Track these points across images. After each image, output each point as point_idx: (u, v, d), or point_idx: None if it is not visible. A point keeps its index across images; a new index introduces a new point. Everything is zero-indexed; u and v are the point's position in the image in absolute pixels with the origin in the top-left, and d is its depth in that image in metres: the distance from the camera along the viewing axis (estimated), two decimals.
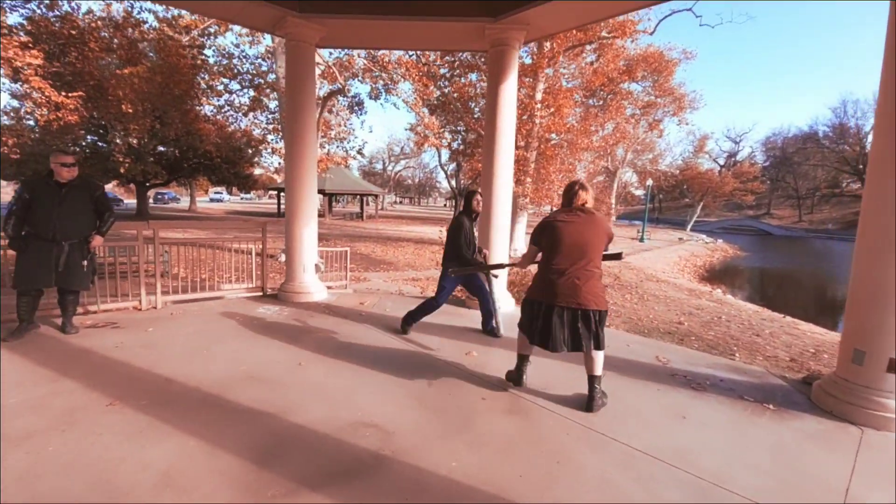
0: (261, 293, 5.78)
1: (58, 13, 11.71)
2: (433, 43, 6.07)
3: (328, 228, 20.06)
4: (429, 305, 4.33)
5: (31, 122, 16.00)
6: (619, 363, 3.70)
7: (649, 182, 28.94)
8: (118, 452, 2.23)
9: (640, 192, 45.73)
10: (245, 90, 13.51)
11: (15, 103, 14.82)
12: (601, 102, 16.98)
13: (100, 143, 21.51)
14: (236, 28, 11.35)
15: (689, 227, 40.93)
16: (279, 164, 15.45)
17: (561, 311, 2.79)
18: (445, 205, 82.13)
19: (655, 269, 14.93)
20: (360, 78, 13.56)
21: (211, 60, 12.91)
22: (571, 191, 2.94)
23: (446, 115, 16.38)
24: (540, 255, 3.00)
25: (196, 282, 5.63)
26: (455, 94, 14.39)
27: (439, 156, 41.39)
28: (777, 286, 17.88)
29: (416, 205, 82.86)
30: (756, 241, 41.37)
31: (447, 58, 14.67)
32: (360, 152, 16.59)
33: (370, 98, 14.82)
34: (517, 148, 14.20)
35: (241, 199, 57.31)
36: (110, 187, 36.88)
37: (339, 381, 3.20)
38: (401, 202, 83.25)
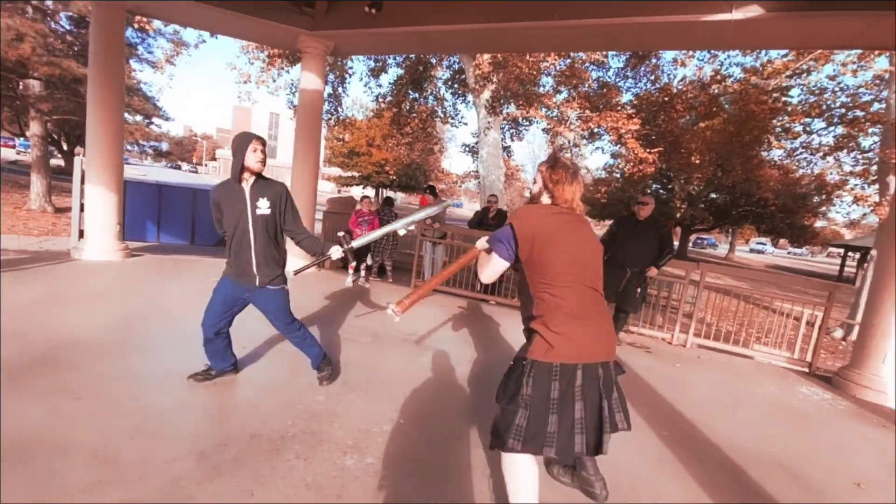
0: (806, 369, 4.67)
1: (658, 85, 14.24)
2: None
3: None
4: None
5: (618, 175, 20.83)
6: None
7: None
8: (642, 473, 2.36)
9: None
10: (831, 128, 11.33)
11: (610, 160, 19.75)
12: None
13: (661, 190, 24.95)
14: (839, 57, 9.56)
15: None
16: (861, 215, 12.08)
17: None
18: None
19: None
20: None
21: (794, 101, 11.73)
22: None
23: None
24: None
25: (722, 331, 5.30)
26: None
27: None
28: None
29: None
30: None
31: None
32: None
33: None
34: None
35: (788, 253, 49.99)
36: None
37: None
38: None
